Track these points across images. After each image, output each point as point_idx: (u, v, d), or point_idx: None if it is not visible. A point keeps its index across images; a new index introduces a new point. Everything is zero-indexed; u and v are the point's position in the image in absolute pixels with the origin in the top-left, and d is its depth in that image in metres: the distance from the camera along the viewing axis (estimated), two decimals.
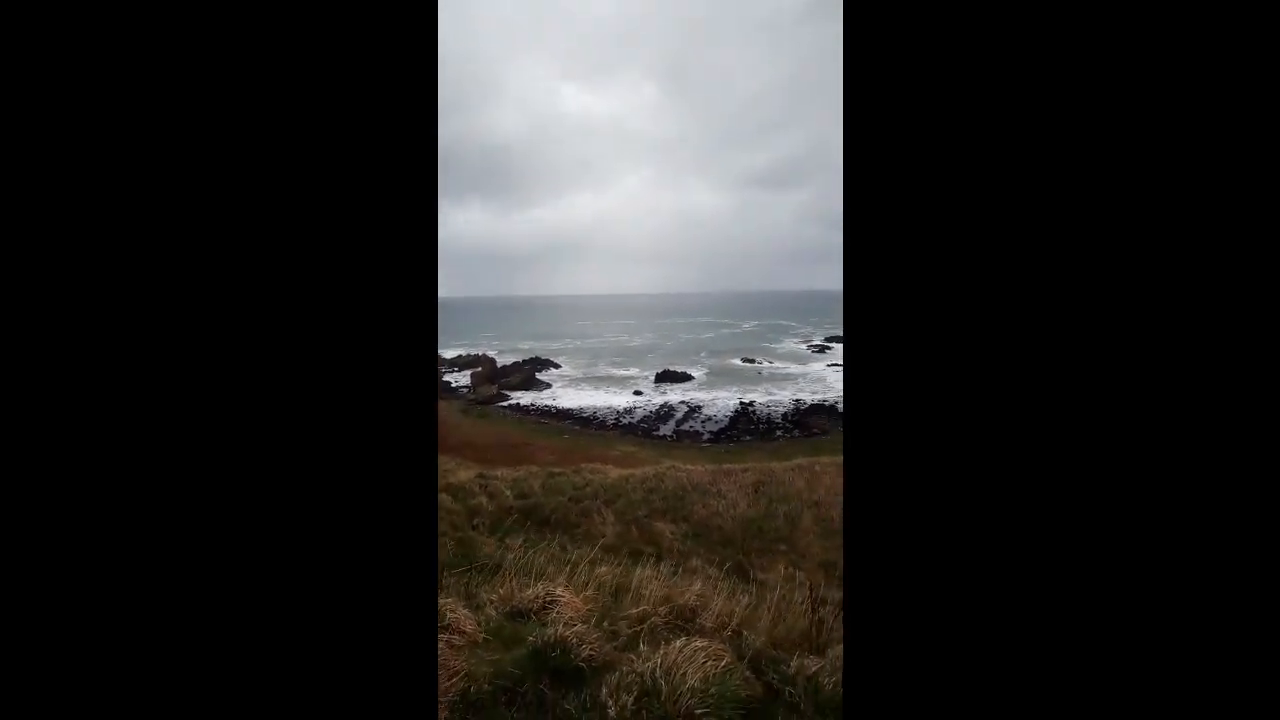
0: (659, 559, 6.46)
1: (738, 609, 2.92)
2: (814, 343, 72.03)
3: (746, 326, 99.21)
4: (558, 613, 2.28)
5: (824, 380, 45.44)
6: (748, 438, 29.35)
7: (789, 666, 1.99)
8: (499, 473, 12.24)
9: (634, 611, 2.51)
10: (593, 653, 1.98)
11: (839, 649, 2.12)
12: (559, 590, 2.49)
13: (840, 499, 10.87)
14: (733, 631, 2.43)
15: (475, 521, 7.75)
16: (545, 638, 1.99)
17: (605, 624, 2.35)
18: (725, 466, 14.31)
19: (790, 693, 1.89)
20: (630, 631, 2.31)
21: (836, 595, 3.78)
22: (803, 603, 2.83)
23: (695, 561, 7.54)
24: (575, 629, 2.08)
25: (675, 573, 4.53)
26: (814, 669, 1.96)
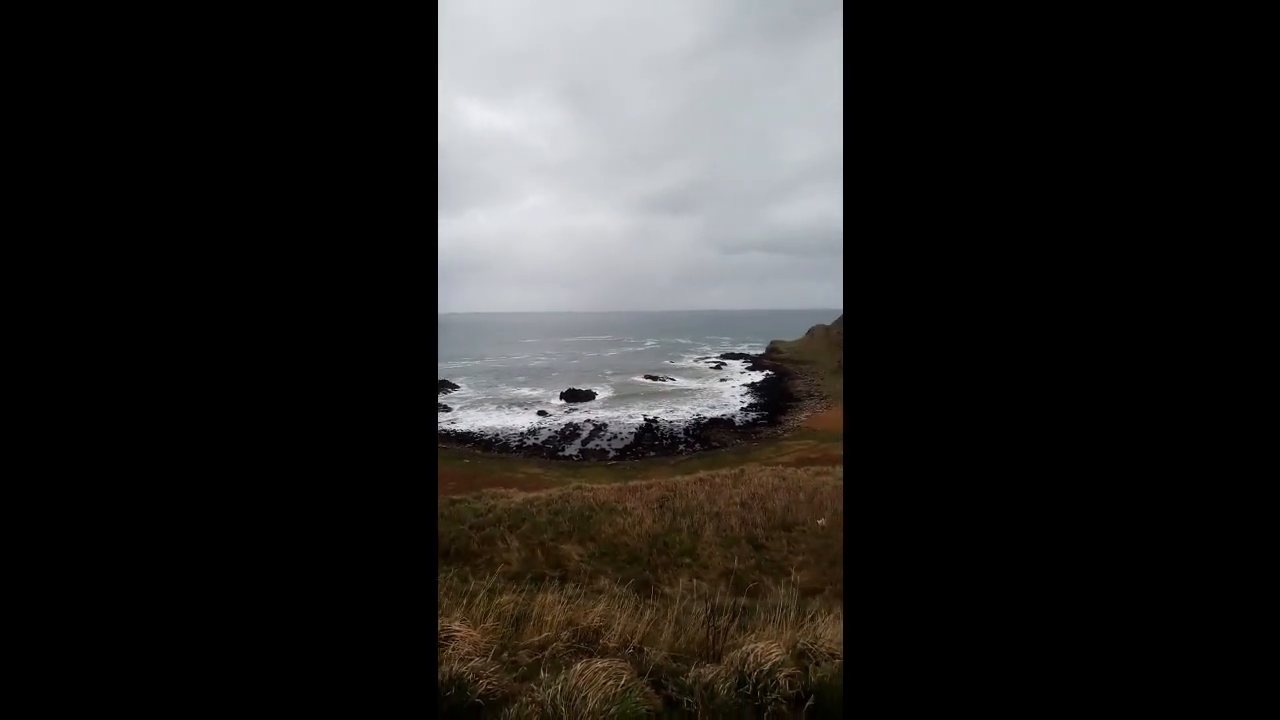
0: (565, 582, 6.35)
1: (641, 625, 2.95)
2: (712, 359, 75.07)
3: (648, 345, 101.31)
4: (453, 649, 2.18)
5: (721, 395, 47.41)
6: (652, 453, 29.80)
7: (687, 677, 2.05)
8: None
9: (535, 639, 2.46)
10: (491, 686, 1.92)
11: (735, 654, 2.22)
12: (454, 625, 2.38)
13: (739, 508, 11.33)
14: (634, 648, 2.46)
15: None
16: (440, 676, 1.90)
17: (505, 655, 2.29)
18: (631, 483, 14.42)
19: (688, 702, 1.95)
20: (531, 660, 2.26)
21: (736, 602, 3.94)
22: (700, 613, 2.92)
23: (603, 581, 7.50)
24: (472, 664, 2.01)
25: (581, 595, 4.48)
26: (710, 677, 2.03)
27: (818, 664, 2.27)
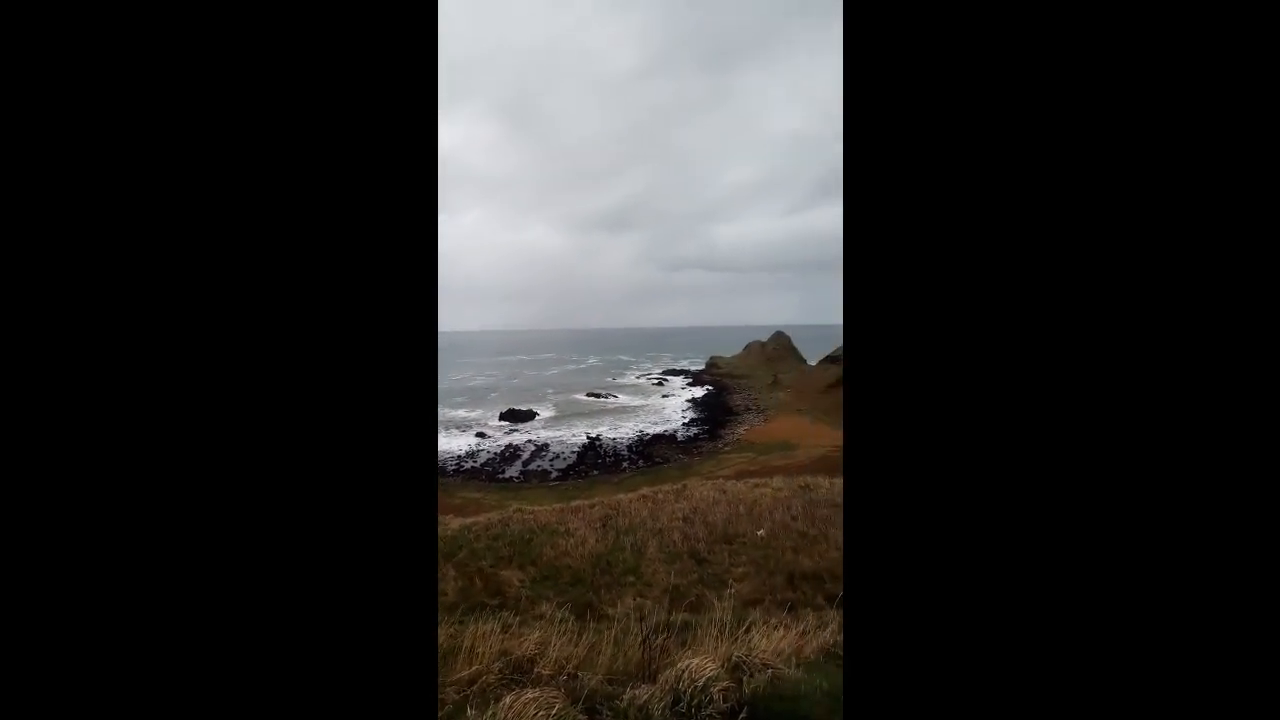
0: (504, 609, 6.13)
1: (578, 650, 2.89)
2: (654, 376, 75.69)
3: (590, 362, 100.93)
4: None
5: (664, 411, 47.81)
6: (595, 472, 29.53)
7: (622, 700, 2.02)
8: None
9: (465, 673, 2.35)
10: None
11: (670, 672, 2.21)
12: None
13: (682, 523, 11.39)
14: (569, 675, 2.40)
15: None
16: None
17: None
18: (574, 504, 14.20)
19: None
20: (459, 696, 2.16)
21: (678, 619, 3.94)
22: (640, 633, 2.90)
23: (544, 607, 7.30)
24: None
25: (518, 623, 4.35)
26: (645, 698, 2.01)
27: (751, 675, 2.29)
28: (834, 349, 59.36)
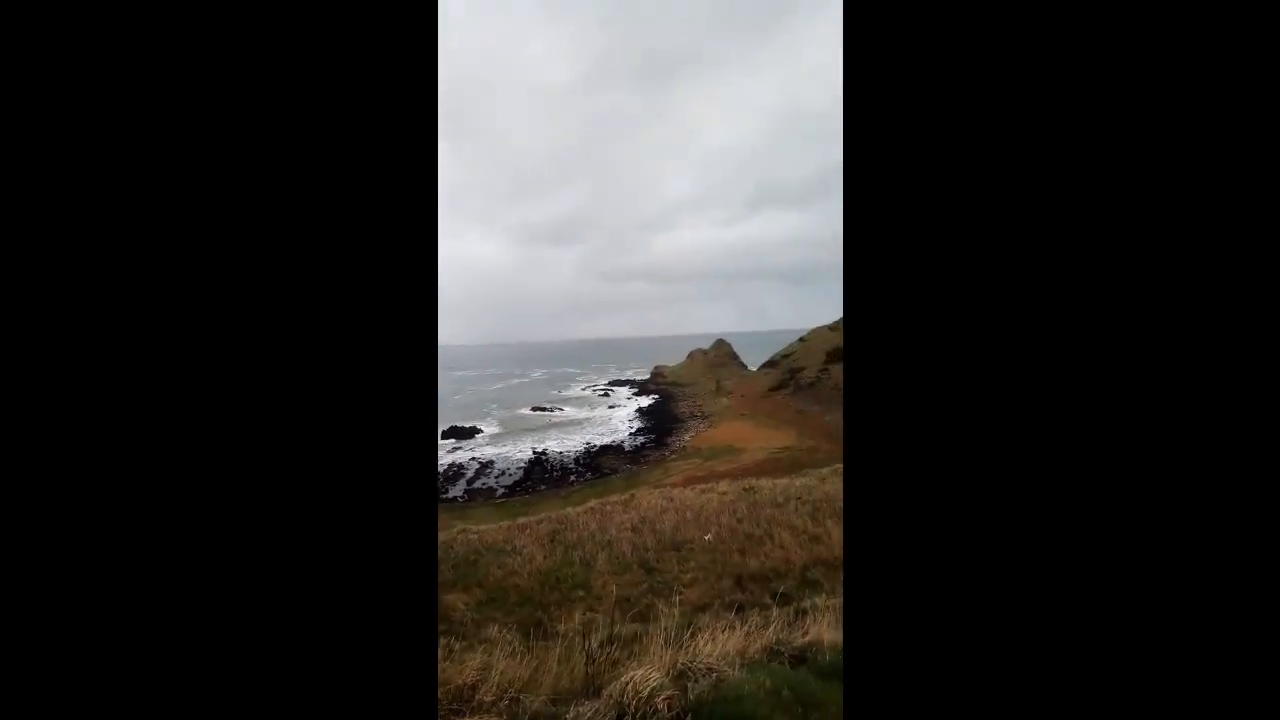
0: (448, 635, 5.88)
1: (523, 671, 2.81)
2: (600, 387, 75.51)
3: (535, 375, 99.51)
4: None
5: (610, 422, 47.72)
6: (543, 487, 29.05)
7: (566, 719, 1.98)
8: None
9: None
10: None
11: (615, 685, 2.18)
12: None
13: (630, 533, 11.36)
14: (511, 698, 2.33)
15: None
16: None
17: None
18: (520, 520, 13.88)
19: None
20: None
21: (623, 630, 3.90)
22: (583, 649, 2.85)
23: (492, 630, 7.07)
24: None
25: (461, 648, 4.18)
26: (589, 714, 1.98)
27: (696, 680, 2.30)
28: (773, 354, 61.22)
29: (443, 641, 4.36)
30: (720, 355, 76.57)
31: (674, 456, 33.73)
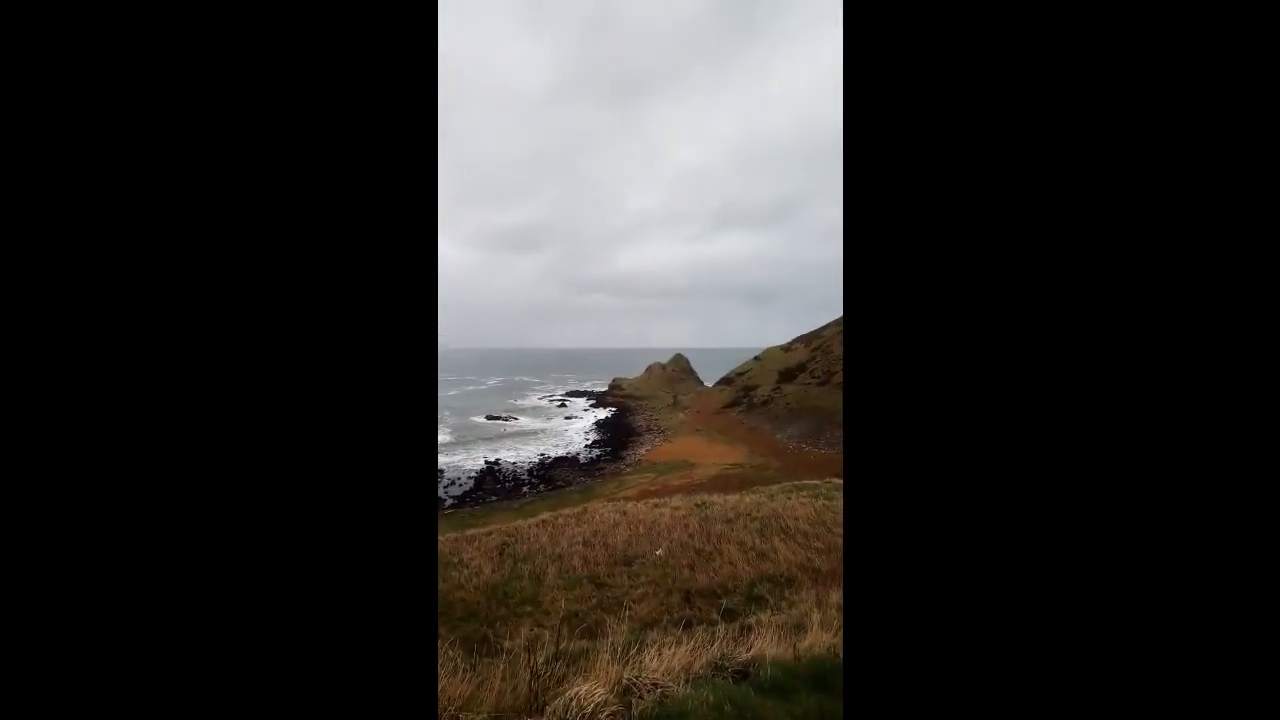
0: None
1: (463, 688, 2.74)
2: (556, 397, 74.76)
3: (491, 383, 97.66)
4: None
5: (566, 433, 47.26)
6: (494, 498, 28.43)
7: None
8: None
9: None
10: None
11: (559, 701, 2.17)
12: None
13: (582, 547, 11.25)
14: (451, 717, 2.28)
15: None
16: None
17: None
18: (469, 532, 13.52)
19: None
20: None
21: (571, 646, 3.86)
22: (528, 664, 2.81)
23: None
24: None
25: None
26: None
27: (641, 697, 2.31)
28: (728, 371, 62.21)
29: None
30: (678, 370, 77.22)
31: (629, 470, 33.66)
